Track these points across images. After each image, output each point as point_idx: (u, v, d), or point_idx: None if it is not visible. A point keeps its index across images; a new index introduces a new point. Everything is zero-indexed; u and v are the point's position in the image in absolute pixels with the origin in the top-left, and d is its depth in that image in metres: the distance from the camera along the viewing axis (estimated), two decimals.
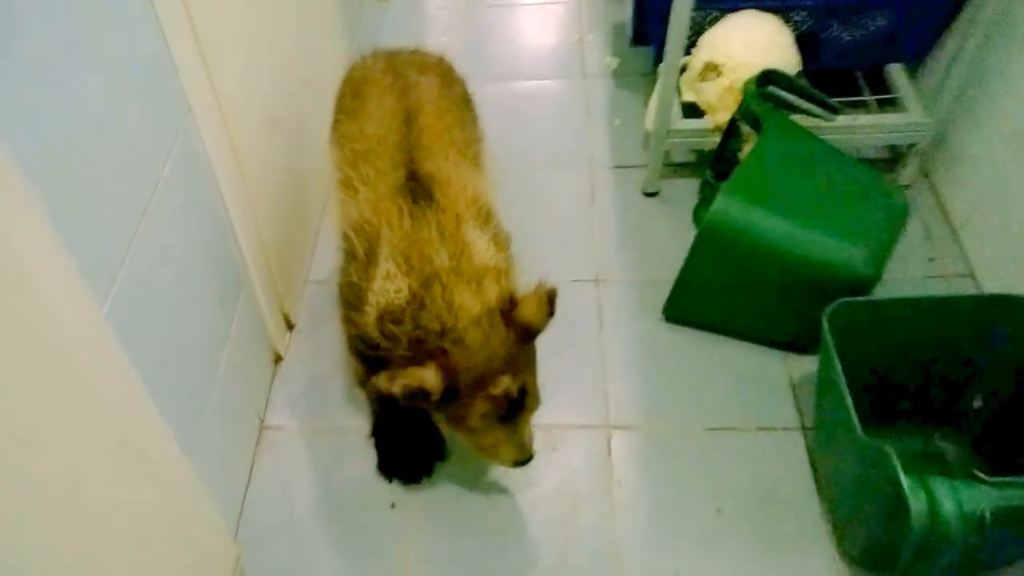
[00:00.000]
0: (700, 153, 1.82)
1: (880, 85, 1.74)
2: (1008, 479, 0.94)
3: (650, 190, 1.78)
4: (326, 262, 1.70)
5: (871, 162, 1.77)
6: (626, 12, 2.00)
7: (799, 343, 1.45)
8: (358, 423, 1.43)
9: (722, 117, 1.62)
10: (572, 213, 1.77)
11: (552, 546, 1.26)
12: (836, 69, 1.73)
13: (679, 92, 1.73)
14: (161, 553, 1.02)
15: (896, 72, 1.74)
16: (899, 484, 0.95)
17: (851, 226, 1.32)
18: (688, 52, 1.68)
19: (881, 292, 1.33)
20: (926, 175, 1.74)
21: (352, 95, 1.28)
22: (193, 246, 1.15)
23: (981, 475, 0.94)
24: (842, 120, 1.58)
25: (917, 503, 0.94)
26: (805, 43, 1.63)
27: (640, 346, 1.51)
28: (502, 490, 1.33)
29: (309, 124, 1.62)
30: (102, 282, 0.89)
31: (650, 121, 1.71)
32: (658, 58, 1.67)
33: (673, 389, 1.44)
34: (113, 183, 0.93)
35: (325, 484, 1.36)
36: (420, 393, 0.97)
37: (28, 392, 0.73)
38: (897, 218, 1.39)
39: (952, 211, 1.65)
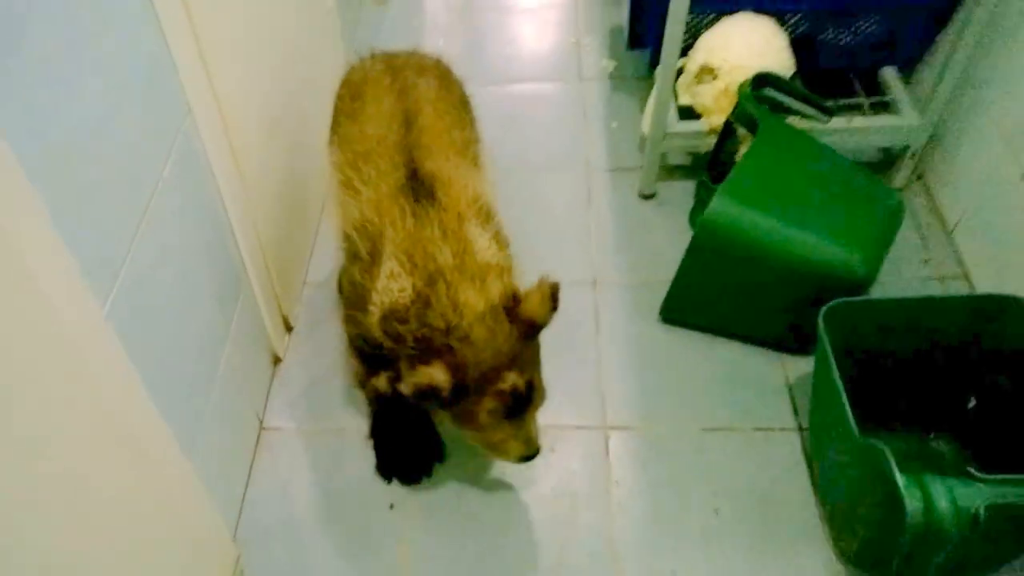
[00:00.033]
0: (696, 156, 1.83)
1: (874, 88, 1.76)
2: (1002, 476, 0.95)
3: (646, 192, 1.79)
4: (324, 264, 1.70)
5: (865, 165, 1.78)
6: (622, 15, 2.01)
7: (795, 344, 1.46)
8: (357, 424, 1.43)
9: (718, 120, 1.63)
10: (569, 215, 1.78)
11: (550, 546, 1.26)
12: (831, 71, 1.75)
13: (675, 95, 1.74)
14: (161, 553, 1.02)
15: (890, 75, 1.76)
16: (894, 482, 0.96)
17: (846, 227, 1.33)
18: (684, 55, 1.69)
19: (876, 293, 1.34)
20: (920, 177, 1.76)
21: (351, 97, 1.29)
22: (193, 246, 1.15)
23: (975, 472, 0.95)
24: (836, 122, 1.59)
25: (912, 500, 0.95)
26: (800, 46, 1.64)
27: (637, 347, 1.52)
28: (500, 490, 1.34)
29: (308, 126, 1.62)
30: (103, 282, 0.89)
31: (646, 124, 1.72)
32: (654, 61, 1.68)
33: (670, 390, 1.45)
34: (114, 183, 0.93)
35: (324, 485, 1.36)
36: (431, 392, 0.98)
37: (30, 391, 0.74)
38: (892, 220, 1.40)
39: (946, 213, 1.67)
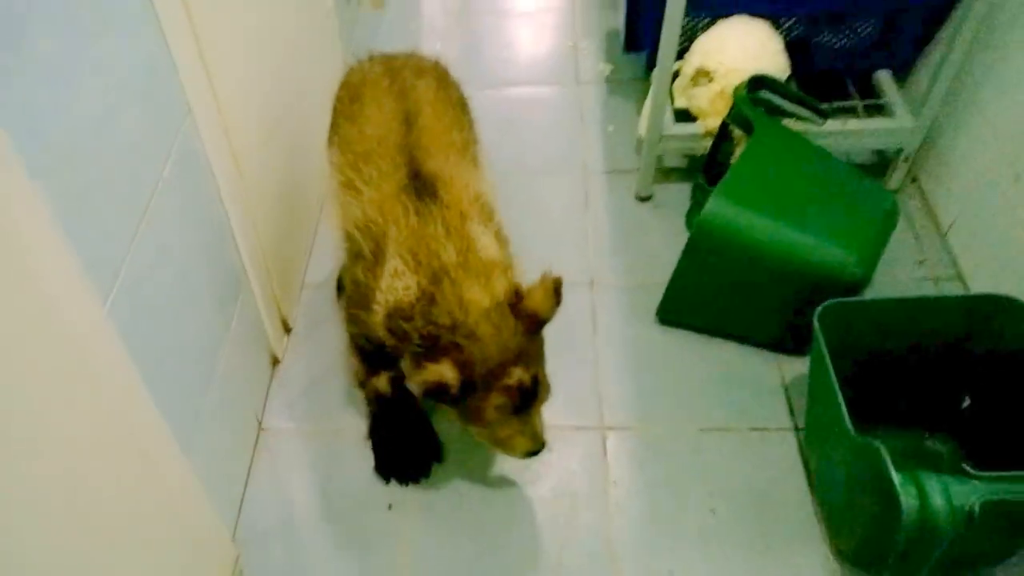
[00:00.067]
0: (692, 158, 1.84)
1: (869, 91, 1.77)
2: (996, 474, 0.96)
3: (643, 195, 1.80)
4: (323, 265, 1.71)
5: (860, 167, 1.79)
6: (619, 19, 2.02)
7: (791, 344, 1.47)
8: (355, 425, 1.43)
9: (714, 122, 1.64)
10: (566, 218, 1.79)
11: (549, 546, 1.27)
12: (826, 73, 1.76)
13: (671, 98, 1.75)
14: (160, 553, 1.02)
15: (884, 78, 1.77)
16: (890, 480, 0.97)
17: (841, 228, 1.34)
18: (680, 58, 1.70)
19: (871, 294, 1.35)
20: (914, 179, 1.77)
21: (350, 98, 1.29)
22: (192, 247, 1.15)
23: (970, 469, 0.96)
24: (831, 125, 1.60)
25: (908, 498, 0.96)
26: (795, 49, 1.66)
27: (634, 348, 1.52)
28: (499, 490, 1.34)
29: (307, 126, 1.63)
30: (104, 281, 0.90)
31: (643, 126, 1.73)
32: (650, 64, 1.69)
33: (667, 390, 1.46)
34: (114, 182, 0.94)
35: (323, 485, 1.36)
36: (440, 389, 0.99)
37: (30, 390, 0.74)
38: (886, 221, 1.41)
39: (940, 214, 1.68)
